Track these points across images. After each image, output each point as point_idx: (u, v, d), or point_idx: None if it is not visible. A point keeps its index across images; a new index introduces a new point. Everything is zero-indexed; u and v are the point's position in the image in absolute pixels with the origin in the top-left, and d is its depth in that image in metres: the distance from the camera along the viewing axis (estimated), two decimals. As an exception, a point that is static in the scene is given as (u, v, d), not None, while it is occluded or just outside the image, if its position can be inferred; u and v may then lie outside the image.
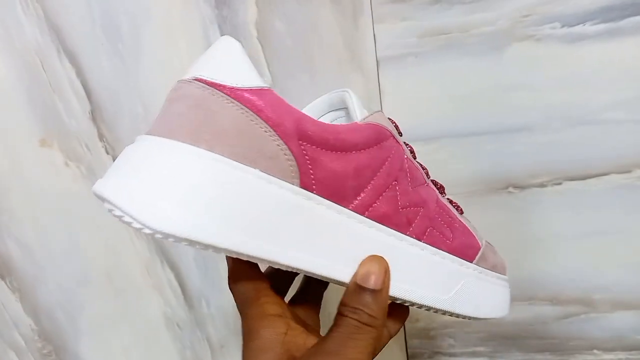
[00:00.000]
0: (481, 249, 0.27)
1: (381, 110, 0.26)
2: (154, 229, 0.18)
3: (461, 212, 0.28)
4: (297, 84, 0.36)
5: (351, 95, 0.24)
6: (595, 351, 0.40)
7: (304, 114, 0.21)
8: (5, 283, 0.41)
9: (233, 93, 0.20)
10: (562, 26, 0.34)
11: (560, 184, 0.37)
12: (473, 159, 0.37)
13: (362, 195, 0.22)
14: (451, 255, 0.25)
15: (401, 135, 0.25)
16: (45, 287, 0.41)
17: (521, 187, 0.37)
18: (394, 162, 0.23)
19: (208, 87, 0.20)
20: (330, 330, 0.21)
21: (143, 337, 0.42)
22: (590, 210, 0.37)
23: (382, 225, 0.23)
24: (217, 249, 0.19)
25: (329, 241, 0.21)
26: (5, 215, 0.39)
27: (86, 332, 0.42)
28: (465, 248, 0.26)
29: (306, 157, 0.21)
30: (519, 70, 0.35)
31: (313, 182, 0.21)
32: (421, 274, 0.24)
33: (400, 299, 0.23)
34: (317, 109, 0.27)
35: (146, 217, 0.18)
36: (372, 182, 0.22)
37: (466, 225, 0.27)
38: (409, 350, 0.43)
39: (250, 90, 0.20)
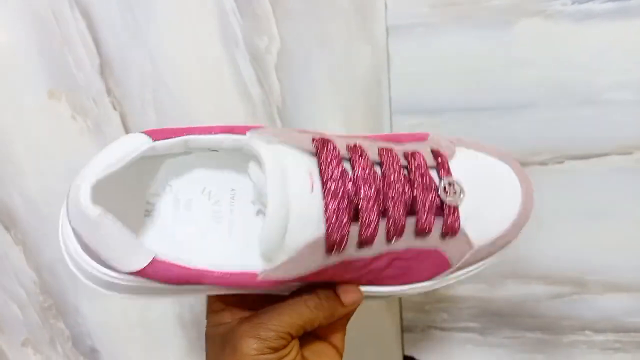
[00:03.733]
0: (449, 269, 0.24)
1: None
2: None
3: (452, 235, 0.22)
4: (306, 49, 0.37)
5: (262, 157, 0.18)
6: (586, 332, 0.40)
7: (198, 272, 0.19)
8: (10, 235, 0.41)
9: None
10: (572, 3, 0.34)
11: (561, 162, 0.37)
12: (476, 134, 0.37)
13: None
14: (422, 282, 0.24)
15: None
16: (48, 242, 0.42)
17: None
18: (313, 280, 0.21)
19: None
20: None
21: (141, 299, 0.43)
22: (589, 191, 0.37)
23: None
24: None
25: None
26: (11, 167, 0.40)
27: (87, 289, 0.43)
28: (421, 276, 0.24)
29: None
30: (527, 46, 0.35)
31: None
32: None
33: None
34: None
35: None
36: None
37: (441, 252, 0.23)
38: (403, 323, 0.43)
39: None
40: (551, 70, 0.35)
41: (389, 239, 0.20)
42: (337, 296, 0.23)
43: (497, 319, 0.42)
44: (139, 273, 0.18)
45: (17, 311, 0.43)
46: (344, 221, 0.18)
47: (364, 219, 0.18)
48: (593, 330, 0.40)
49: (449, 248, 0.22)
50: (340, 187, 0.18)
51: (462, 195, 0.21)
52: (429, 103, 0.37)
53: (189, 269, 0.18)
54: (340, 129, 0.38)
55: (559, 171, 0.37)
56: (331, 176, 0.18)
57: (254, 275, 0.18)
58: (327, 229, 0.17)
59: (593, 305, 0.40)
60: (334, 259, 0.19)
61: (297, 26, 0.36)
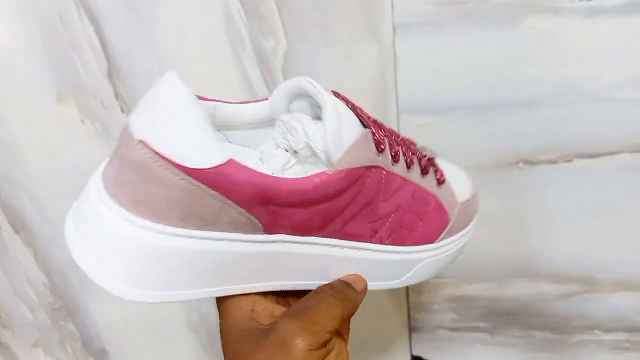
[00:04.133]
0: (449, 224, 0.27)
1: (361, 127, 0.23)
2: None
3: (441, 183, 0.27)
4: (312, 49, 0.37)
5: (316, 87, 0.22)
6: (595, 331, 0.40)
7: (267, 179, 0.20)
8: (20, 237, 0.42)
9: (186, 170, 0.18)
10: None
11: (570, 161, 0.37)
12: (484, 132, 0.37)
13: (329, 225, 0.23)
14: (412, 247, 0.26)
15: (382, 148, 0.23)
16: (57, 245, 0.42)
17: (532, 163, 0.37)
18: (368, 191, 0.23)
19: (155, 157, 0.18)
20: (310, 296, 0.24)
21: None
22: (598, 189, 0.37)
23: (344, 241, 0.23)
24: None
25: (284, 272, 0.23)
26: (20, 170, 0.40)
27: (96, 291, 0.43)
28: (431, 231, 0.26)
29: (270, 213, 0.21)
30: (535, 43, 0.35)
31: (278, 228, 0.21)
32: (376, 273, 0.25)
33: None
34: (280, 100, 0.24)
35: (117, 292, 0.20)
36: (341, 215, 0.23)
37: (441, 201, 0.27)
38: (411, 323, 0.43)
39: (204, 171, 0.18)
40: (559, 68, 0.35)
41: (408, 166, 0.25)
42: (350, 284, 0.24)
43: (506, 318, 0.42)
44: (220, 169, 0.19)
45: (27, 313, 0.44)
46: (380, 131, 0.23)
47: (391, 142, 0.24)
48: (603, 330, 0.40)
49: (443, 196, 0.27)
50: (374, 123, 0.24)
51: (436, 155, 0.27)
52: (436, 102, 0.37)
53: (261, 174, 0.20)
54: (347, 129, 0.38)
55: (568, 169, 0.37)
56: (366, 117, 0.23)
57: (324, 172, 0.21)
58: (370, 128, 0.23)
59: (603, 304, 0.39)
60: (379, 159, 0.23)
61: (303, 27, 0.36)
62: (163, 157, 0.18)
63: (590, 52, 0.34)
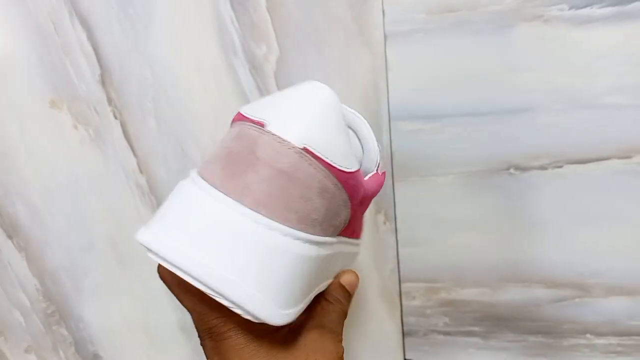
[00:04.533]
0: None
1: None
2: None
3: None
4: (304, 56, 0.37)
5: (365, 124, 0.23)
6: (588, 335, 0.40)
7: (365, 183, 0.20)
8: (12, 242, 0.42)
9: (342, 177, 0.18)
10: (570, 8, 0.34)
11: (561, 167, 0.37)
12: (475, 139, 0.37)
13: (354, 227, 0.24)
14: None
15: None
16: (50, 250, 0.42)
17: (522, 169, 0.38)
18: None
19: (319, 165, 0.17)
20: (323, 308, 0.26)
21: (143, 305, 0.43)
22: (589, 195, 0.37)
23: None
24: None
25: (329, 273, 0.24)
26: (14, 176, 0.40)
27: (89, 295, 0.43)
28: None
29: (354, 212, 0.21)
30: (525, 51, 0.35)
31: (348, 230, 0.22)
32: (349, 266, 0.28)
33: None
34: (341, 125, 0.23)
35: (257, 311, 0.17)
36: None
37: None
38: (404, 328, 0.43)
39: (352, 174, 0.18)
40: (549, 75, 0.35)
41: None
42: (344, 286, 0.27)
43: (499, 322, 0.42)
44: (352, 175, 0.19)
45: (20, 318, 0.44)
46: None
47: None
48: (595, 334, 0.40)
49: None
50: None
51: None
52: (428, 109, 0.37)
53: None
54: (339, 135, 0.38)
55: (559, 175, 0.37)
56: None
57: (378, 173, 0.23)
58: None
59: (595, 308, 0.39)
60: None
61: (295, 34, 0.36)
62: (326, 165, 0.17)
63: (581, 60, 0.35)
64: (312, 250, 0.17)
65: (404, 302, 0.43)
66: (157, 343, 0.44)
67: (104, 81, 0.38)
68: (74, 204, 0.41)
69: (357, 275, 0.28)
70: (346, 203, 0.19)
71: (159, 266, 0.22)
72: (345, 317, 0.27)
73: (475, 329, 0.42)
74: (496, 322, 0.42)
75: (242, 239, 0.16)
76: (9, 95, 0.38)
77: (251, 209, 0.16)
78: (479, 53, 0.36)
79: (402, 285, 0.42)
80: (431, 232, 0.39)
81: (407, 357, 0.43)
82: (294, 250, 0.17)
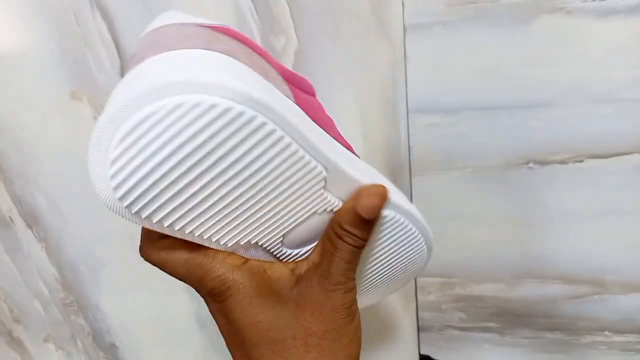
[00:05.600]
0: None
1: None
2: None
3: None
4: (322, 49, 0.37)
5: None
6: (606, 332, 0.40)
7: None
8: (32, 232, 0.42)
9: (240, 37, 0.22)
10: (594, -1, 0.33)
11: (581, 161, 0.37)
12: (494, 132, 0.37)
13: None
14: None
15: None
16: (69, 240, 0.42)
17: (542, 163, 0.37)
18: None
19: (218, 32, 0.21)
20: (326, 251, 0.22)
21: (160, 297, 0.44)
22: (609, 190, 0.37)
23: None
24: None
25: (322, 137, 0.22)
26: (34, 167, 0.41)
27: (107, 286, 0.44)
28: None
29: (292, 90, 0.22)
30: (546, 44, 0.35)
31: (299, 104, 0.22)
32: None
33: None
34: None
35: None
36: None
37: None
38: (419, 323, 0.43)
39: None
40: (570, 68, 0.35)
41: None
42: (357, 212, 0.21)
43: (516, 319, 0.41)
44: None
45: (39, 308, 0.44)
46: None
47: None
48: (613, 331, 0.40)
49: None
50: None
51: None
52: (446, 102, 0.37)
53: None
54: (356, 128, 0.38)
55: (579, 170, 0.37)
56: None
57: None
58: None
59: (614, 305, 0.39)
60: None
61: (314, 26, 0.36)
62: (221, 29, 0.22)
63: (602, 52, 0.34)
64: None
65: (419, 297, 0.42)
66: (174, 334, 0.45)
67: (123, 73, 0.39)
68: (93, 195, 0.41)
69: (381, 193, 0.21)
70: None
71: (142, 249, 0.22)
72: (361, 251, 0.22)
73: (491, 324, 0.42)
74: (512, 318, 0.41)
75: (212, 57, 0.19)
76: (30, 87, 0.39)
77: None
78: (498, 46, 0.35)
79: (418, 280, 0.42)
80: (447, 226, 0.39)
81: (422, 352, 0.43)
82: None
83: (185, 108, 0.17)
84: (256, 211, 0.20)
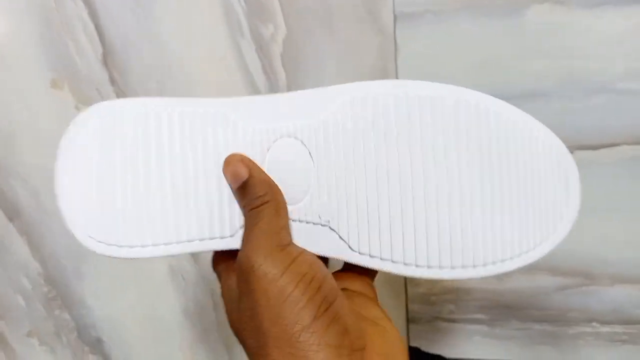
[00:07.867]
0: None
1: None
2: None
3: None
4: (311, 37, 0.36)
5: None
6: (593, 323, 0.40)
7: None
8: (14, 226, 0.41)
9: None
10: (584, -11, 0.33)
11: (571, 152, 0.36)
12: (485, 123, 0.37)
13: None
14: None
15: None
16: (51, 233, 0.42)
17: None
18: None
19: None
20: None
21: (146, 291, 0.43)
22: (598, 182, 0.37)
23: None
24: None
25: None
26: (14, 158, 0.40)
27: (91, 281, 0.43)
28: None
29: None
30: (537, 35, 0.34)
31: None
32: None
33: None
34: None
35: None
36: None
37: None
38: (409, 315, 0.43)
39: None
40: (562, 59, 0.35)
41: None
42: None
43: (505, 310, 0.42)
44: None
45: (22, 302, 0.43)
46: None
47: None
48: (600, 322, 0.40)
49: None
50: None
51: None
52: (437, 92, 0.37)
53: None
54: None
55: (569, 161, 0.37)
56: None
57: None
58: None
59: (600, 297, 0.39)
60: None
61: (303, 14, 0.36)
62: None
63: (595, 44, 0.34)
64: None
65: (408, 289, 0.42)
66: (161, 328, 0.44)
67: (106, 61, 0.38)
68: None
69: (232, 158, 0.22)
70: None
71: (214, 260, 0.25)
72: (273, 204, 0.22)
73: (481, 316, 0.42)
74: (502, 309, 0.42)
75: None
76: (9, 75, 0.38)
77: None
78: (491, 35, 0.35)
79: (408, 271, 0.42)
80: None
81: (411, 344, 0.43)
82: None
83: None
84: None
